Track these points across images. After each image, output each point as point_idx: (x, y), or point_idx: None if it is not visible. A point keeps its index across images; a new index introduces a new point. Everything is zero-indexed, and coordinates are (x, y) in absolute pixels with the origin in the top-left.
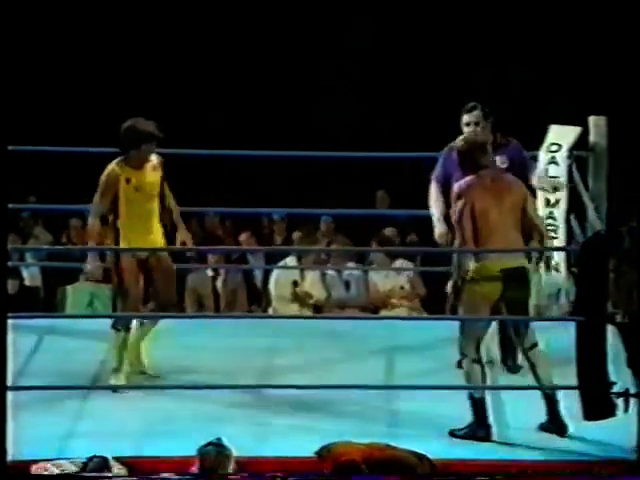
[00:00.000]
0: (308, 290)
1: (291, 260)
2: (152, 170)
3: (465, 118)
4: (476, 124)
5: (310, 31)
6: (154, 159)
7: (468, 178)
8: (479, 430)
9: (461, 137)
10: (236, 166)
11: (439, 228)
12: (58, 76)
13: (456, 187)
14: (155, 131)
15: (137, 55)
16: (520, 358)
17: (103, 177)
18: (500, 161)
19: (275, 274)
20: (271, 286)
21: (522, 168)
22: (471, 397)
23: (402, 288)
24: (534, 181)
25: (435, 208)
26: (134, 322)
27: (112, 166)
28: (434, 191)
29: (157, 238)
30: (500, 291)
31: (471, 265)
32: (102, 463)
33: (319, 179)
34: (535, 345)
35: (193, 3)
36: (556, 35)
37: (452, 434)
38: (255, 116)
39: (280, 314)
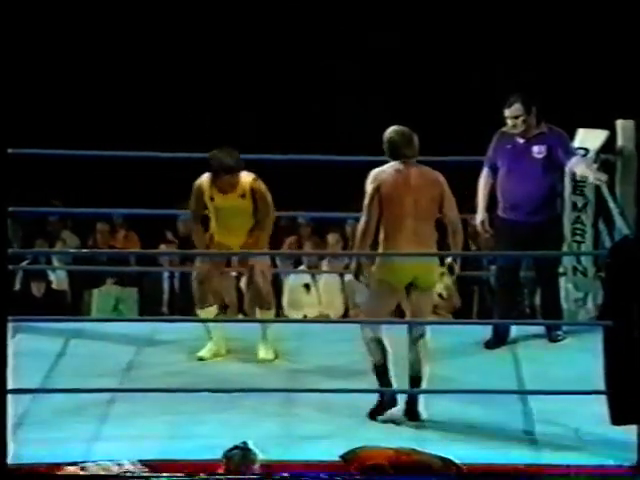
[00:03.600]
0: (324, 300)
1: (303, 267)
2: (239, 197)
3: (506, 112)
4: (516, 117)
5: (347, 36)
6: (247, 185)
7: (386, 165)
8: (390, 406)
9: (391, 128)
10: (263, 170)
11: (480, 216)
12: (84, 81)
13: (372, 173)
14: (231, 163)
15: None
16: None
17: (194, 187)
18: (537, 150)
19: (290, 279)
20: (284, 292)
21: (562, 157)
22: (375, 368)
23: (440, 295)
24: (577, 170)
25: (480, 196)
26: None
27: (202, 180)
28: (482, 177)
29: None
30: (407, 282)
31: (377, 263)
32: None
33: (344, 183)
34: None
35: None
36: (584, 38)
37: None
38: (283, 120)
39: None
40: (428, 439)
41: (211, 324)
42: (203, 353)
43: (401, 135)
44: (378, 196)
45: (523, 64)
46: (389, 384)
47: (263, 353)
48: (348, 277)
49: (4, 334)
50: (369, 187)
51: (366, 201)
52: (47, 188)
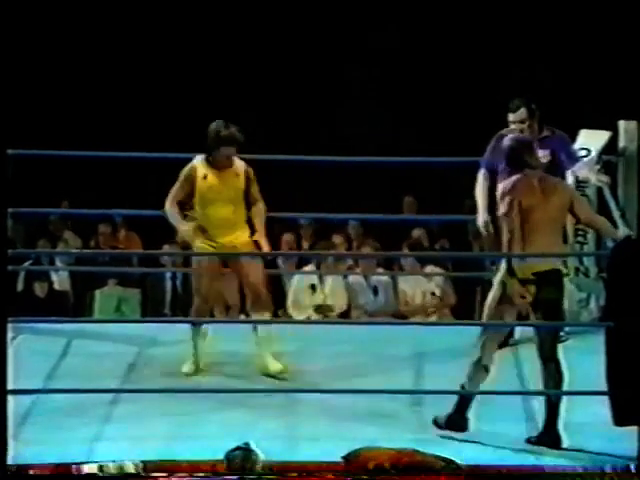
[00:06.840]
0: (329, 302)
1: (310, 267)
2: (234, 176)
3: (510, 117)
4: (522, 122)
5: (343, 36)
6: (240, 167)
7: (514, 177)
8: (459, 422)
9: (511, 135)
10: (265, 171)
11: (482, 217)
12: (88, 82)
13: (502, 186)
14: (234, 135)
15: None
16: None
17: (184, 169)
18: (542, 154)
19: (294, 280)
20: (289, 293)
21: (565, 161)
22: (462, 389)
23: (433, 294)
24: (579, 172)
25: (480, 197)
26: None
27: (195, 161)
28: (481, 178)
29: (236, 241)
30: (532, 294)
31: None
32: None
33: (347, 184)
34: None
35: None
36: (587, 39)
37: (435, 422)
38: (285, 121)
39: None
40: (430, 440)
41: (196, 337)
42: (186, 369)
43: (522, 143)
44: (515, 206)
45: (525, 65)
46: (465, 415)
47: (273, 367)
48: (351, 278)
49: (4, 334)
50: (504, 200)
51: (504, 211)
52: (50, 189)
